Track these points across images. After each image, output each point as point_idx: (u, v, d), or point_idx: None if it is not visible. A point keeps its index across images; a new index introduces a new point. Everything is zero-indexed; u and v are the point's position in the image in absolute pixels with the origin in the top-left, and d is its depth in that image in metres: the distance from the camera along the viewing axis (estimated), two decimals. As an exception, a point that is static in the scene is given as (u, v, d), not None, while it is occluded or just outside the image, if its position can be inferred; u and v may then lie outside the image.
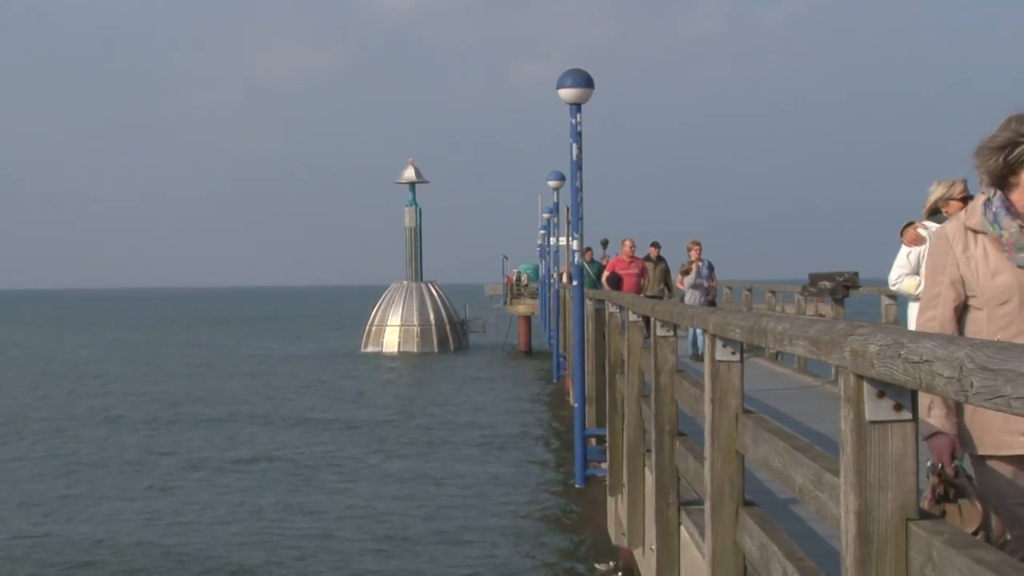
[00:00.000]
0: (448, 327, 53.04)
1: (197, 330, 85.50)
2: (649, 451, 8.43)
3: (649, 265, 19.99)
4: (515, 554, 13.88)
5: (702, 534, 5.52)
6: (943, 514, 3.15)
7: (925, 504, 3.07)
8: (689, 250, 19.51)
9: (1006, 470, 3.38)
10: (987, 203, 3.47)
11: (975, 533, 3.04)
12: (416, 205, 55.75)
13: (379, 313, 53.35)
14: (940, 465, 3.33)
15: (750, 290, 25.60)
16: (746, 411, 4.81)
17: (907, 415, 2.65)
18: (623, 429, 10.61)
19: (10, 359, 52.66)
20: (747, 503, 4.86)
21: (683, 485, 6.96)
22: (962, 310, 3.54)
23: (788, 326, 3.65)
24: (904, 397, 2.63)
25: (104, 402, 32.58)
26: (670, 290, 20.49)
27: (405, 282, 54.05)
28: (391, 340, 51.92)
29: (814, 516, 4.75)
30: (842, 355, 2.72)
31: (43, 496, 17.86)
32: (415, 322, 52.09)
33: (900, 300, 7.67)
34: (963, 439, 3.45)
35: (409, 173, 55.90)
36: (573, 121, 15.18)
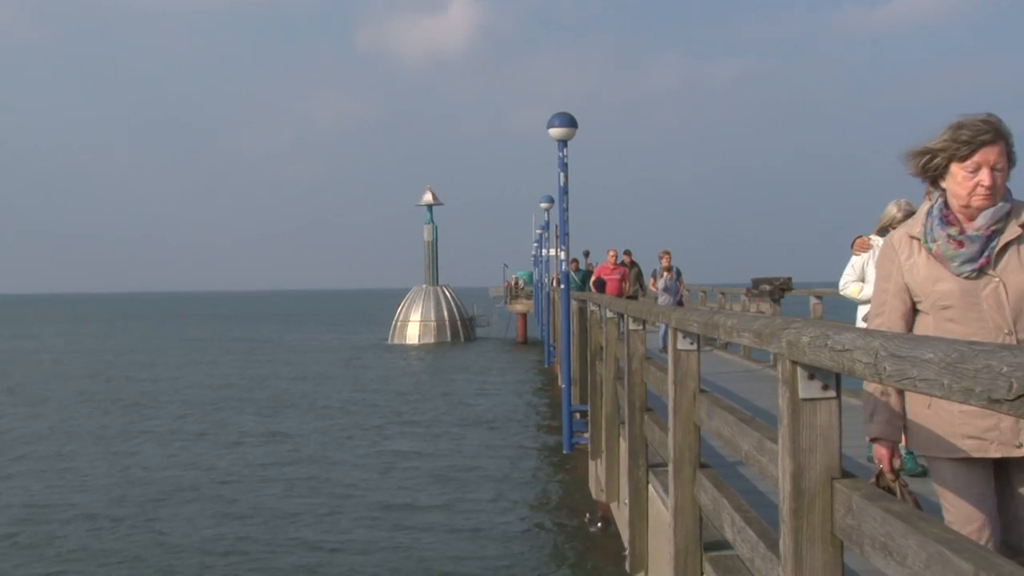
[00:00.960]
0: (459, 322, 52.93)
1: (248, 325, 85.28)
2: (623, 423, 8.39)
3: (627, 270, 19.69)
4: (512, 506, 13.85)
5: (666, 491, 5.48)
6: None
7: None
8: (660, 258, 19.10)
9: (955, 471, 3.00)
10: (929, 211, 3.09)
11: None
12: (433, 223, 55.64)
13: (403, 311, 53.26)
14: (880, 469, 3.02)
15: (705, 292, 25.61)
16: (702, 391, 4.81)
17: (832, 394, 2.63)
18: (602, 405, 10.55)
19: (133, 350, 52.74)
20: (703, 465, 4.86)
21: (651, 451, 6.90)
22: (913, 313, 3.13)
23: (736, 321, 3.65)
24: (830, 379, 2.62)
25: (210, 381, 32.88)
26: (643, 290, 20.29)
27: (424, 286, 53.94)
28: (413, 333, 51.86)
29: (757, 476, 4.77)
30: (780, 345, 2.71)
31: (177, 449, 18.07)
32: (432, 318, 52.01)
33: (850, 303, 7.31)
34: (915, 440, 3.12)
35: (427, 197, 55.84)
36: (560, 154, 15.13)
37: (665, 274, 18.71)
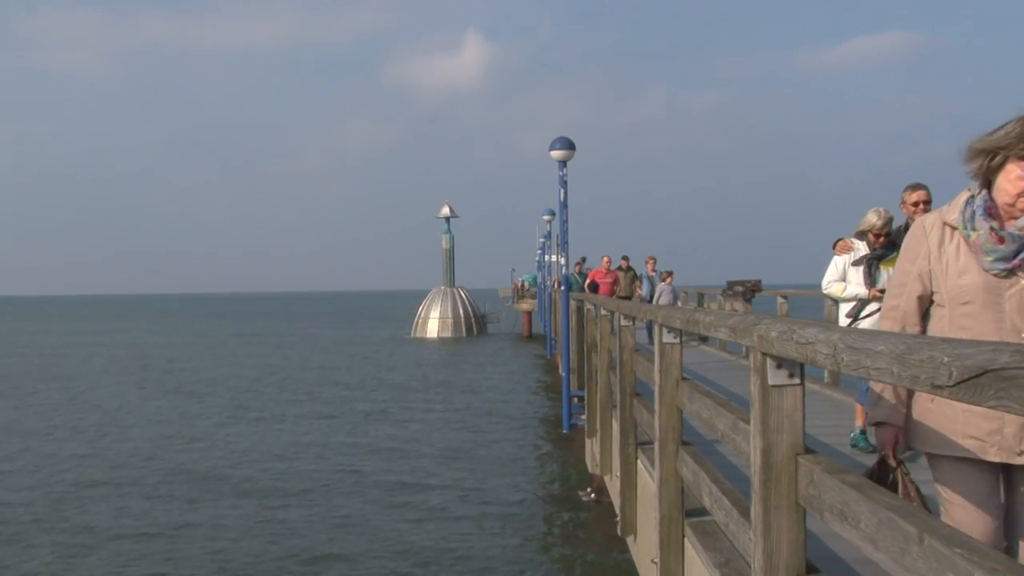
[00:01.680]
0: (473, 319, 52.81)
1: (292, 322, 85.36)
2: (615, 407, 8.38)
3: (620, 274, 19.36)
4: (518, 477, 13.82)
5: (652, 465, 5.48)
6: None
7: None
8: (646, 263, 18.90)
9: (957, 470, 2.63)
10: (969, 200, 2.66)
11: None
12: (450, 233, 55.51)
13: (424, 309, 53.23)
14: (883, 453, 2.70)
15: (686, 292, 25.55)
16: (684, 378, 4.79)
17: (797, 381, 2.61)
18: (597, 391, 10.53)
19: (205, 341, 52.91)
20: (684, 443, 4.85)
21: (639, 431, 6.89)
22: (927, 304, 2.73)
23: (713, 318, 3.63)
24: (795, 368, 2.60)
25: (259, 369, 32.93)
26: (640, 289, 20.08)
27: (442, 287, 53.82)
28: (432, 328, 51.80)
29: (732, 452, 4.75)
30: (752, 338, 2.70)
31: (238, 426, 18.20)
32: (449, 315, 51.93)
33: (812, 302, 7.20)
34: (915, 435, 2.72)
35: (445, 210, 55.72)
36: (560, 173, 15.13)
37: (664, 280, 18.32)
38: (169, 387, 27.50)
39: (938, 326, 2.67)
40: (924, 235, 2.71)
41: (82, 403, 23.85)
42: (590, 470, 11.72)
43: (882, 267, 6.14)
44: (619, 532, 7.47)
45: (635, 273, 19.84)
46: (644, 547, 6.16)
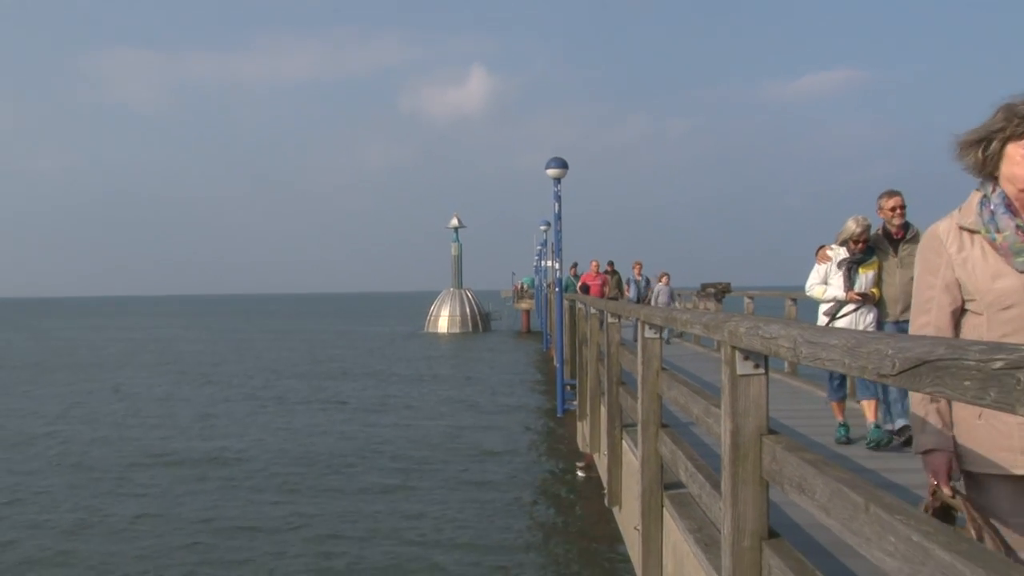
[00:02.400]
0: (478, 317, 52.64)
1: (318, 319, 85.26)
2: (603, 393, 8.38)
3: (608, 276, 18.91)
4: (516, 454, 13.81)
5: (635, 444, 5.47)
6: None
7: None
8: (633, 267, 18.18)
9: (1013, 491, 2.06)
10: (983, 200, 2.13)
11: None
12: (458, 241, 55.32)
13: (435, 308, 53.10)
14: (935, 484, 2.09)
15: (680, 295, 25.31)
16: (663, 369, 4.79)
17: (762, 371, 2.60)
18: (587, 380, 10.51)
19: (239, 335, 52.84)
20: (663, 425, 4.84)
21: (624, 414, 6.88)
22: (960, 314, 2.17)
23: (689, 316, 3.62)
24: (760, 360, 2.58)
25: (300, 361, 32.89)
26: (623, 294, 19.87)
27: (451, 289, 53.65)
28: (442, 324, 51.65)
29: (705, 433, 4.77)
30: (723, 334, 2.70)
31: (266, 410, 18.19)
32: (457, 314, 51.77)
33: (813, 303, 6.59)
34: (963, 456, 2.12)
35: (454, 221, 55.57)
36: (555, 189, 15.13)
37: (661, 281, 17.68)
38: (211, 379, 27.42)
39: (974, 335, 2.13)
40: (941, 244, 2.18)
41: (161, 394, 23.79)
42: (581, 449, 11.71)
43: (860, 271, 6.02)
44: (606, 503, 7.46)
45: (619, 277, 19.69)
46: (628, 516, 6.16)
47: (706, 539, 3.78)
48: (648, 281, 18.35)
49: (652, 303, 17.17)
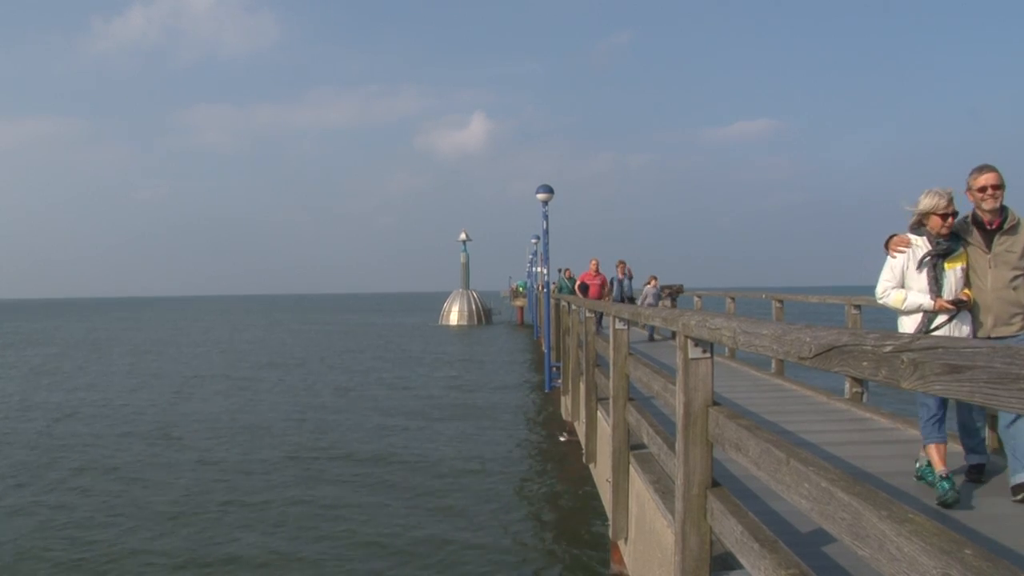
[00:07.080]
0: (482, 312, 52.28)
1: (351, 314, 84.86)
2: (582, 374, 8.35)
3: (605, 277, 16.17)
4: (510, 422, 13.64)
5: (608, 414, 5.46)
6: None
7: None
8: (617, 266, 15.16)
9: None
10: None
11: None
12: (466, 252, 54.88)
13: (447, 305, 52.85)
14: None
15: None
16: (630, 354, 4.77)
17: (708, 356, 2.59)
18: (569, 362, 10.49)
19: (281, 329, 52.54)
20: (630, 399, 4.82)
21: (599, 390, 6.88)
22: None
23: (652, 312, 3.62)
24: (707, 346, 2.57)
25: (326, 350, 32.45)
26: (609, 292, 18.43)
27: (460, 290, 53.49)
28: (453, 318, 51.35)
29: (663, 405, 4.74)
30: (678, 325, 2.69)
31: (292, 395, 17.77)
32: (465, 309, 51.47)
33: (889, 312, 3.65)
34: None
35: (463, 235, 55.27)
36: (544, 210, 15.16)
37: (649, 284, 15.36)
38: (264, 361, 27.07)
39: None
40: None
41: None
42: (564, 418, 11.68)
43: (947, 267, 3.54)
44: (584, 460, 7.47)
45: (605, 277, 18.80)
46: (602, 470, 6.16)
47: (663, 488, 3.79)
48: (631, 277, 15.45)
49: (640, 303, 15.55)
